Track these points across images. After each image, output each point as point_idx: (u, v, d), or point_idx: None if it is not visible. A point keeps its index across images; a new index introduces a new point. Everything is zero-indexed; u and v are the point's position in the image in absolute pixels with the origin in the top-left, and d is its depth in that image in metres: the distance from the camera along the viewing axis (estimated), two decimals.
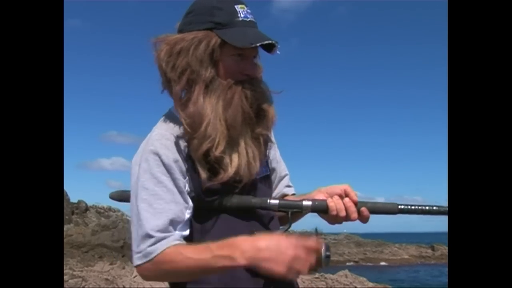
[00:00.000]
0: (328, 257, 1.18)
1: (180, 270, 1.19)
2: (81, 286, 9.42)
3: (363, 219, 1.34)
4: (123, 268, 10.59)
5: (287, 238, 1.14)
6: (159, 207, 1.22)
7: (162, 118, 1.35)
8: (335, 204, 1.31)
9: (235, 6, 1.30)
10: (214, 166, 1.26)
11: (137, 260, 1.22)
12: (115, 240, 10.92)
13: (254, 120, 1.30)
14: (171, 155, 1.25)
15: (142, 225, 1.21)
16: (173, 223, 1.23)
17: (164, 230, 1.21)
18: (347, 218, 1.32)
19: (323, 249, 1.18)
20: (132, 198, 1.27)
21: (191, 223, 1.29)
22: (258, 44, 1.26)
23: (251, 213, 1.33)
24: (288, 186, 1.54)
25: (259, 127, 1.32)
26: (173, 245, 1.20)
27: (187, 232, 1.27)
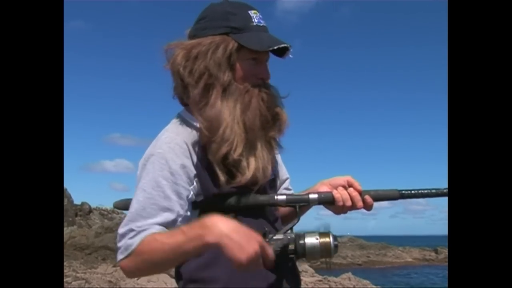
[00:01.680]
0: (336, 246, 1.22)
1: (158, 256, 1.17)
2: None
3: (367, 206, 1.37)
4: None
5: (254, 232, 1.13)
6: (152, 212, 1.21)
7: (173, 121, 1.35)
8: (340, 195, 1.34)
9: (249, 12, 1.32)
10: (232, 169, 1.27)
11: (119, 255, 1.20)
12: None
13: (271, 123, 1.32)
14: (178, 161, 1.25)
15: (128, 223, 1.21)
16: (161, 225, 1.21)
17: (145, 226, 1.20)
18: (353, 207, 1.36)
19: (331, 239, 1.22)
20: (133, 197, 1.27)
21: None
22: (275, 48, 1.28)
23: (259, 212, 1.34)
24: (288, 189, 1.56)
25: (273, 130, 1.33)
26: (150, 234, 1.18)
27: None
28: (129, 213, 1.23)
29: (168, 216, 1.22)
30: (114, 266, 10.56)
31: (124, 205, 1.53)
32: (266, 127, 1.31)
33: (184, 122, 1.33)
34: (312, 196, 1.35)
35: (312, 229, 1.27)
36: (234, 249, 1.08)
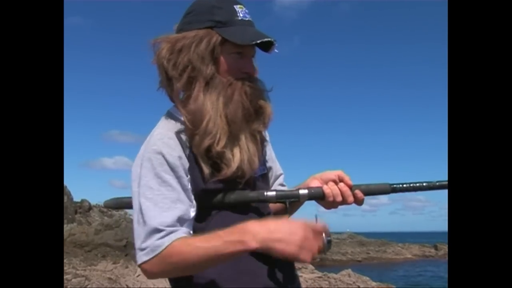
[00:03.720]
0: (329, 242, 1.20)
1: (190, 261, 1.17)
2: (84, 285, 9.44)
3: (358, 201, 1.37)
4: (126, 267, 10.60)
5: (295, 221, 1.15)
6: (164, 206, 1.21)
7: (162, 119, 1.35)
8: (331, 190, 1.34)
9: (234, 6, 1.32)
10: (217, 162, 1.27)
11: (143, 256, 1.19)
12: (118, 239, 10.93)
13: (253, 116, 1.32)
14: (175, 153, 1.25)
15: (148, 221, 1.19)
16: (180, 221, 1.22)
17: (172, 225, 1.20)
18: (343, 202, 1.35)
19: (324, 235, 1.19)
20: (135, 199, 1.25)
21: None
22: (258, 41, 1.28)
23: (248, 208, 1.34)
24: (282, 185, 1.55)
25: (257, 123, 1.33)
26: (181, 237, 1.18)
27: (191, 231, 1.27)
28: (143, 212, 1.22)
29: (181, 208, 1.22)
30: (114, 263, 10.56)
31: (115, 204, 1.52)
32: (250, 120, 1.31)
33: (173, 117, 1.34)
34: (302, 191, 1.34)
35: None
36: (281, 247, 1.11)
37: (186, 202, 1.24)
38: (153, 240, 1.18)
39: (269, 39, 1.30)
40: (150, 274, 1.22)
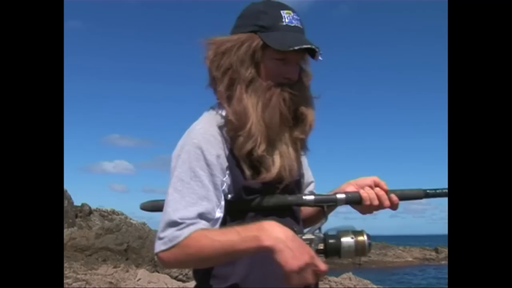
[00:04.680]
0: (370, 244, 1.25)
1: (205, 253, 1.19)
2: None
3: (394, 205, 1.41)
4: (127, 271, 10.57)
5: (309, 248, 1.16)
6: (190, 201, 1.24)
7: (206, 114, 1.38)
8: (367, 194, 1.37)
9: (281, 11, 1.34)
10: (257, 165, 1.29)
11: (160, 245, 1.22)
12: (119, 244, 10.90)
13: (292, 123, 1.33)
14: (214, 151, 1.28)
15: (170, 213, 1.23)
16: (202, 217, 1.24)
17: (192, 219, 1.22)
18: (380, 206, 1.39)
19: (366, 238, 1.24)
20: (169, 184, 1.28)
21: (225, 223, 1.30)
22: (295, 48, 1.28)
23: (286, 211, 1.36)
24: (312, 192, 1.57)
25: (297, 131, 1.34)
26: (199, 229, 1.21)
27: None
28: (169, 202, 1.25)
29: (207, 206, 1.24)
30: (115, 267, 10.54)
31: (152, 207, 1.52)
32: (289, 126, 1.33)
33: (217, 114, 1.36)
34: (339, 196, 1.37)
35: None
36: (288, 256, 1.11)
37: (213, 201, 1.26)
38: (172, 231, 1.21)
39: (309, 46, 1.30)
40: (166, 263, 1.24)
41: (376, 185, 1.40)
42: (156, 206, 1.49)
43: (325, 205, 1.37)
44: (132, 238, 11.32)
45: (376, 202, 1.37)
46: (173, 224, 1.21)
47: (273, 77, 1.32)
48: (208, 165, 1.26)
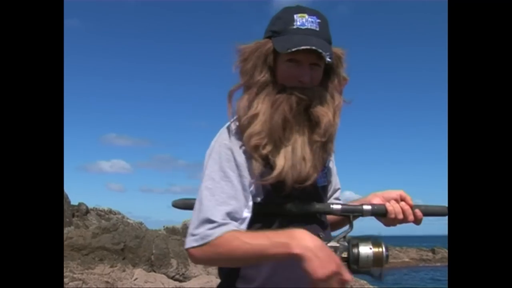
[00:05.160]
0: (387, 256, 1.28)
1: (235, 254, 1.24)
2: None
3: (417, 221, 1.44)
4: (124, 271, 10.55)
5: (336, 257, 1.19)
6: (220, 200, 1.28)
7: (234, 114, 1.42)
8: (393, 208, 1.41)
9: (294, 15, 1.37)
10: (267, 166, 1.33)
11: (192, 242, 1.27)
12: (116, 243, 10.87)
13: (308, 126, 1.35)
14: (244, 153, 1.33)
15: (203, 210, 1.28)
16: (231, 217, 1.28)
17: (223, 219, 1.27)
18: (404, 220, 1.42)
19: (384, 249, 1.28)
20: (200, 185, 1.33)
21: (251, 225, 1.33)
22: (293, 49, 1.29)
23: (312, 218, 1.41)
24: (337, 199, 1.63)
25: (315, 133, 1.36)
26: (230, 230, 1.25)
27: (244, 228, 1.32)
28: (201, 200, 1.30)
29: (235, 205, 1.29)
30: (111, 266, 10.51)
31: (184, 204, 1.57)
32: (307, 129, 1.35)
33: None
34: (366, 207, 1.41)
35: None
36: (316, 265, 1.14)
37: (241, 201, 1.31)
38: (205, 229, 1.26)
39: (308, 47, 1.30)
40: (196, 259, 1.29)
41: (402, 199, 1.44)
42: (187, 204, 1.54)
43: (351, 215, 1.41)
44: (129, 238, 11.30)
45: (400, 216, 1.41)
46: (205, 222, 1.26)
47: (287, 80, 1.36)
48: (237, 166, 1.31)
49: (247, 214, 1.32)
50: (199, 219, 1.28)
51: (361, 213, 1.41)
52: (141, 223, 13.17)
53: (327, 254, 1.17)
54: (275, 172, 1.30)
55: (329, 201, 1.56)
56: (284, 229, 1.23)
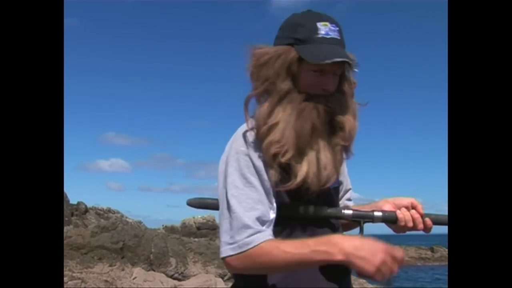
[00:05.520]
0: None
1: (276, 263, 1.25)
2: None
3: (427, 229, 1.45)
4: (123, 269, 10.55)
5: (379, 243, 1.23)
6: (247, 206, 1.29)
7: (251, 120, 1.41)
8: (404, 215, 1.42)
9: (317, 24, 1.37)
10: (284, 173, 1.34)
11: (229, 250, 1.28)
12: (115, 242, 10.86)
13: (329, 131, 1.37)
14: (261, 157, 1.33)
15: (236, 218, 1.28)
16: (260, 221, 1.30)
17: (256, 224, 1.28)
18: (413, 228, 1.43)
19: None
20: (222, 195, 1.35)
21: None
22: (328, 61, 1.30)
23: (324, 223, 1.43)
24: (349, 199, 1.65)
25: (337, 138, 1.38)
26: (269, 240, 1.27)
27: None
28: (230, 208, 1.30)
29: (262, 209, 1.30)
30: (110, 265, 10.51)
31: (198, 204, 1.59)
32: (325, 134, 1.37)
33: None
34: (377, 213, 1.42)
35: None
36: (361, 264, 1.19)
37: (266, 204, 1.32)
38: (243, 237, 1.27)
39: (342, 59, 1.32)
40: (232, 268, 1.31)
41: (413, 207, 1.45)
42: (202, 204, 1.57)
43: (362, 221, 1.42)
44: (128, 237, 11.29)
45: (410, 224, 1.42)
46: (242, 229, 1.27)
47: (310, 88, 1.36)
48: (257, 171, 1.32)
49: (273, 215, 1.33)
50: (233, 227, 1.28)
51: (372, 219, 1.42)
52: (140, 222, 13.16)
53: (368, 249, 1.20)
54: (299, 179, 1.31)
55: (340, 201, 1.59)
56: (318, 236, 1.27)
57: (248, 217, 1.28)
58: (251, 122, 1.39)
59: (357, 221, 1.43)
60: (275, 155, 1.31)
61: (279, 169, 1.33)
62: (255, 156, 1.33)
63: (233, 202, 1.30)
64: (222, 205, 1.34)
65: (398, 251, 1.23)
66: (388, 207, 1.46)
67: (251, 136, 1.36)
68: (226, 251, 1.29)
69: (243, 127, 1.40)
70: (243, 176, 1.32)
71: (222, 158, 1.39)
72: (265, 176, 1.32)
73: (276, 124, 1.32)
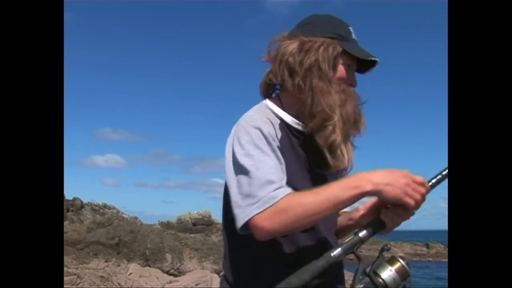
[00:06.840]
0: (407, 264, 1.28)
1: (308, 210, 1.24)
2: (76, 284, 9.40)
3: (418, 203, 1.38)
4: (118, 265, 10.56)
5: (399, 170, 1.28)
6: (265, 171, 1.29)
7: (257, 107, 1.49)
8: (389, 218, 1.35)
9: (349, 27, 1.51)
10: (331, 155, 1.40)
11: (254, 210, 1.24)
12: (110, 238, 10.87)
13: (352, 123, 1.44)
14: (272, 132, 1.38)
15: (259, 177, 1.27)
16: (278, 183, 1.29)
17: (280, 180, 1.30)
18: (417, 203, 1.34)
19: (402, 262, 1.28)
20: (232, 169, 1.35)
21: None
22: (373, 58, 1.45)
23: (323, 221, 1.43)
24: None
25: (353, 129, 1.46)
26: (293, 192, 1.27)
27: None
28: (249, 173, 1.29)
29: (278, 175, 1.30)
30: (106, 261, 10.52)
31: None
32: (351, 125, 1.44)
33: (268, 109, 1.47)
34: (362, 234, 1.31)
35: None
36: (390, 192, 1.24)
37: (280, 172, 1.33)
38: (267, 192, 1.25)
39: (377, 59, 1.46)
40: (261, 229, 1.25)
41: (382, 201, 1.38)
42: None
43: (355, 250, 1.32)
44: (123, 232, 11.30)
45: (413, 203, 1.34)
46: (267, 183, 1.26)
47: (343, 81, 1.46)
48: (269, 143, 1.34)
49: (285, 182, 1.33)
50: (255, 185, 1.26)
51: (362, 242, 1.32)
52: (135, 218, 13.17)
53: (391, 176, 1.25)
54: (345, 161, 1.40)
55: None
56: (318, 236, 1.36)
57: (271, 174, 1.28)
58: (264, 105, 1.47)
59: (350, 253, 1.30)
60: (327, 137, 1.37)
61: (326, 151, 1.39)
62: (266, 129, 1.35)
63: (250, 168, 1.29)
64: (236, 178, 1.33)
65: (418, 176, 1.27)
66: (362, 214, 1.49)
67: (260, 114, 1.41)
68: (250, 211, 1.24)
69: (252, 110, 1.45)
70: (257, 146, 1.33)
71: (228, 140, 1.41)
72: (275, 148, 1.35)
73: (336, 108, 1.38)
